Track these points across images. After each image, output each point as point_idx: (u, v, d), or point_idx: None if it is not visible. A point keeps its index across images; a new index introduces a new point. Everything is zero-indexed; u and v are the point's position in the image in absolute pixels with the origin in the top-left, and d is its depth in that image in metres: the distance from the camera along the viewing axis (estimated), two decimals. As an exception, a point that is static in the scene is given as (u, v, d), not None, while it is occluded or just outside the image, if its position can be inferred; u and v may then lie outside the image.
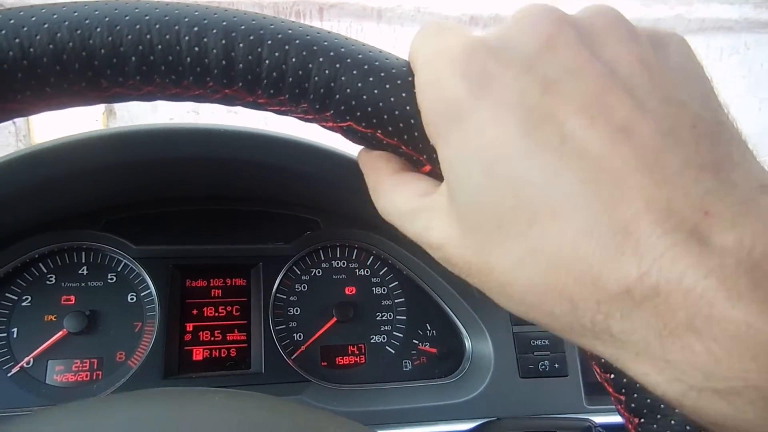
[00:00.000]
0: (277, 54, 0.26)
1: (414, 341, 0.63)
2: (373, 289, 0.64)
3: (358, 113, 0.27)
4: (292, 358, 0.60)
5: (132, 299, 0.58)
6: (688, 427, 0.25)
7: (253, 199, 0.61)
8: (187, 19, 0.25)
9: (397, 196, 0.26)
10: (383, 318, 0.64)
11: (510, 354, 0.60)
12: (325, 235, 0.63)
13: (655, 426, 0.25)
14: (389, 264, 0.65)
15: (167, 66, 0.26)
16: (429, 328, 0.64)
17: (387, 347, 0.63)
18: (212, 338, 0.59)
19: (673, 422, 0.25)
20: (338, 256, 0.65)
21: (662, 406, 0.25)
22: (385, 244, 0.65)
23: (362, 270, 0.65)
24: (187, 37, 0.25)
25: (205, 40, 0.25)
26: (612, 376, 0.27)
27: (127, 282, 0.58)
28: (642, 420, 0.26)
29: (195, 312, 0.59)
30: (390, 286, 0.65)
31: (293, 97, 0.27)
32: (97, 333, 0.56)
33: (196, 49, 0.25)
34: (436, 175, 0.29)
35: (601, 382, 0.28)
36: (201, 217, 0.61)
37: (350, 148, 0.53)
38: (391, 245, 0.65)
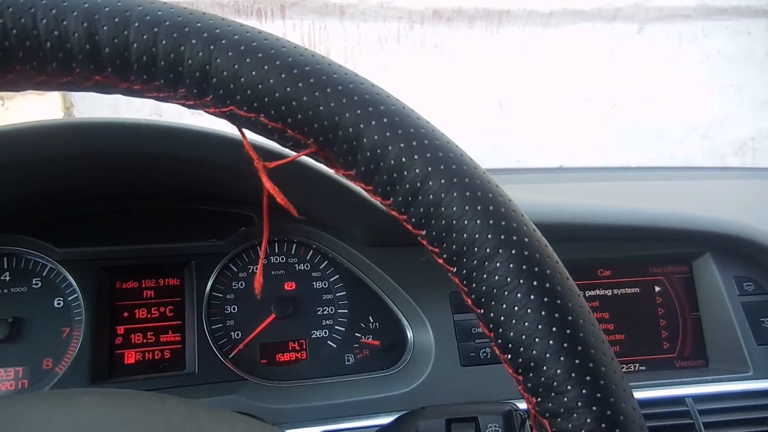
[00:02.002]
0: (145, 37, 0.25)
1: (356, 334, 0.63)
2: (314, 283, 0.63)
3: (238, 97, 0.26)
4: (230, 357, 0.59)
5: (59, 304, 0.56)
6: (579, 403, 0.25)
7: (183, 196, 0.60)
8: (44, 2, 0.24)
9: None
10: (324, 312, 0.63)
11: (451, 343, 0.60)
12: (261, 231, 0.62)
13: (550, 404, 0.25)
14: (329, 258, 0.64)
15: (26, 52, 0.24)
16: (371, 320, 0.63)
17: (329, 342, 0.62)
18: (145, 340, 0.57)
19: (565, 399, 0.25)
20: (276, 251, 0.63)
21: (555, 384, 0.25)
22: (324, 237, 0.64)
23: (302, 265, 0.64)
24: (44, 21, 0.24)
25: (64, 23, 0.24)
26: (509, 356, 0.27)
27: (53, 286, 0.56)
28: (539, 399, 0.26)
29: (126, 314, 0.57)
30: (331, 280, 0.64)
31: (168, 82, 0.26)
32: (22, 341, 0.54)
33: (56, 33, 0.24)
34: (327, 159, 0.28)
35: (502, 363, 0.27)
36: (129, 217, 0.59)
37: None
38: (331, 239, 0.64)
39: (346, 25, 2.47)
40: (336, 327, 0.63)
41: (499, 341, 0.27)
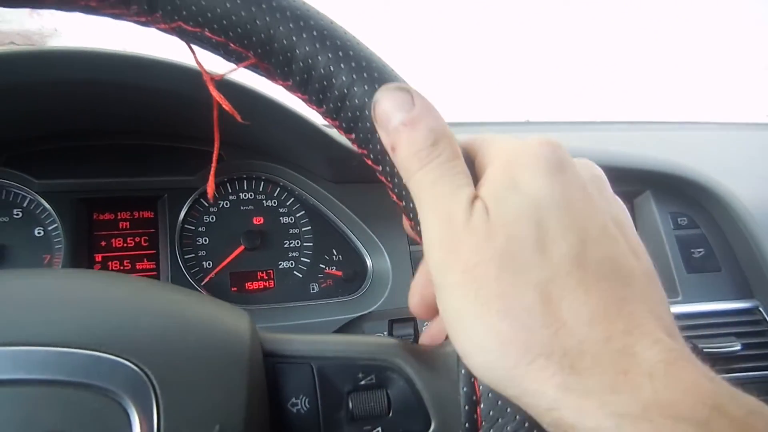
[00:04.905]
0: None
1: (321, 265, 0.67)
2: (281, 218, 0.68)
3: (184, 12, 0.30)
4: (202, 284, 0.63)
5: (39, 233, 0.60)
6: None
7: (156, 133, 0.64)
8: None
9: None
10: (291, 245, 0.67)
11: (407, 271, 0.65)
12: (230, 168, 0.66)
13: None
14: (296, 195, 0.68)
15: None
16: (335, 253, 0.68)
17: (295, 272, 0.67)
18: (121, 267, 0.61)
19: None
20: (245, 188, 0.67)
21: None
22: (291, 175, 0.68)
23: (269, 201, 0.68)
24: None
25: None
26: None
27: (33, 217, 0.60)
28: None
29: (103, 243, 0.62)
30: (297, 215, 0.68)
31: None
32: (5, 266, 0.58)
33: None
34: (267, 70, 0.32)
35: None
36: (106, 152, 0.62)
37: (249, 79, 0.55)
38: (297, 176, 0.68)
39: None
40: (302, 258, 0.67)
41: (419, 228, 0.31)
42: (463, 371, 0.30)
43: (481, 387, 0.29)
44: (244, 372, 0.28)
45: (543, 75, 1.51)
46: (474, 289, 0.23)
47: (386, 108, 0.27)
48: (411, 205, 0.31)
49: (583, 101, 1.50)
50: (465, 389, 0.29)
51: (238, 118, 0.33)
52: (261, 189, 0.68)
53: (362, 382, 0.31)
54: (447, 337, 0.35)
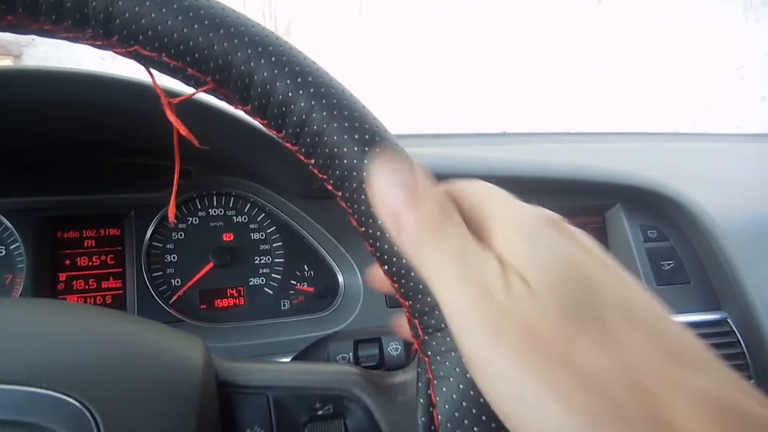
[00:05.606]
0: None
1: (292, 282, 0.67)
2: (251, 234, 0.67)
3: (141, 37, 0.29)
4: (170, 302, 0.62)
5: (1, 253, 0.58)
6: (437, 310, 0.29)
7: (121, 149, 0.63)
8: None
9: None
10: (261, 262, 0.67)
11: (378, 286, 0.65)
12: (199, 184, 0.65)
13: (418, 306, 0.29)
14: (266, 210, 0.68)
15: None
16: (306, 269, 0.67)
17: (265, 288, 0.66)
18: (86, 286, 0.60)
19: (429, 299, 0.29)
20: (215, 204, 0.67)
21: (422, 287, 0.29)
22: (261, 191, 0.67)
23: (240, 217, 0.67)
24: None
25: None
26: (386, 267, 0.31)
27: (-6, 236, 0.58)
28: (411, 302, 0.30)
29: (68, 262, 0.60)
30: (267, 231, 0.67)
31: (76, 23, 0.29)
32: (-35, 287, 0.57)
33: None
34: (226, 96, 0.31)
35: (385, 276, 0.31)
36: (70, 169, 0.61)
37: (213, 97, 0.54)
38: (268, 192, 0.67)
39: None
40: (272, 275, 0.67)
41: (378, 254, 0.31)
42: (421, 401, 0.29)
43: (440, 417, 0.28)
44: (195, 404, 0.27)
45: (519, 86, 1.52)
46: (538, 362, 0.21)
47: (383, 187, 0.26)
48: (371, 231, 0.31)
49: (558, 112, 1.52)
50: (423, 419, 0.29)
51: (196, 143, 0.32)
52: (231, 205, 0.67)
53: (319, 412, 0.30)
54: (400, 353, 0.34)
